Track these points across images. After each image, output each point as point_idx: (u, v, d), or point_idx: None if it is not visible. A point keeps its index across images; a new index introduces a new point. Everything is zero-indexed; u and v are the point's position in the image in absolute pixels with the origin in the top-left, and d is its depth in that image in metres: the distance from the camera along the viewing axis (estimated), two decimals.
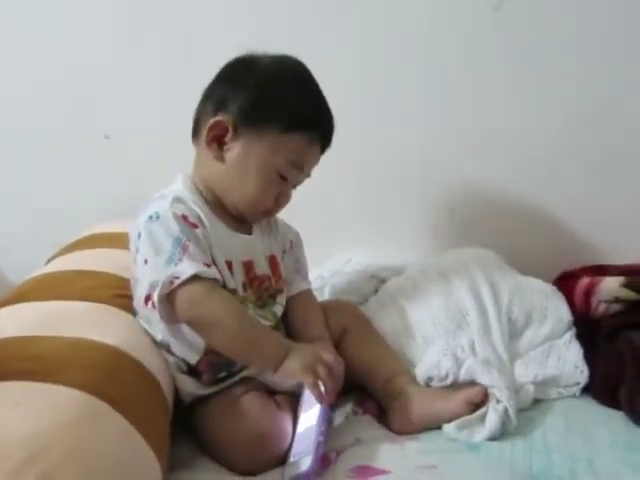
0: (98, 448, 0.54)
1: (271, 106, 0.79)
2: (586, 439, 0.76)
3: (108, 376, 0.64)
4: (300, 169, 0.82)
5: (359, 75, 1.15)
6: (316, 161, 0.85)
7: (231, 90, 0.80)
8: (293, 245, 0.94)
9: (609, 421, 0.81)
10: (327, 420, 0.74)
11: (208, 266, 0.74)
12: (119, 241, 0.99)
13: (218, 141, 0.80)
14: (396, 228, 1.23)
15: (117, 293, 0.81)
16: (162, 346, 0.79)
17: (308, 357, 0.75)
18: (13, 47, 1.21)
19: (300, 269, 0.94)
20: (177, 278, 0.71)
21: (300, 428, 0.75)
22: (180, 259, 0.72)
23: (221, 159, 0.81)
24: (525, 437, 0.77)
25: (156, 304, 0.71)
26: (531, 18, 1.11)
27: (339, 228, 1.22)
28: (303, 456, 0.70)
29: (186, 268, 0.71)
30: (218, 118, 0.79)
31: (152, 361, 0.74)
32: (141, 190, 1.21)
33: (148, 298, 0.73)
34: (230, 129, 0.79)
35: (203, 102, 0.84)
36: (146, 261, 0.74)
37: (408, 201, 1.22)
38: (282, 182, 0.82)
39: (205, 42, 1.17)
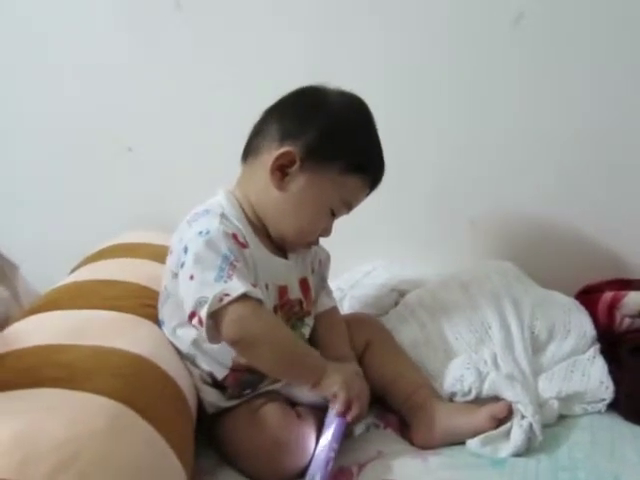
0: (127, 455, 0.55)
1: (337, 146, 0.80)
2: (612, 456, 0.75)
3: (135, 384, 0.64)
4: (349, 207, 0.85)
5: (379, 89, 1.15)
6: (361, 202, 0.86)
7: (300, 123, 0.80)
8: (321, 264, 0.94)
9: (635, 438, 0.79)
10: (341, 437, 0.74)
11: (254, 286, 0.74)
12: (142, 251, 1.01)
13: (281, 170, 0.80)
14: (416, 240, 1.23)
15: (143, 303, 0.82)
16: (187, 358, 0.80)
17: (348, 374, 0.78)
18: (34, 61, 1.22)
19: (326, 287, 0.95)
20: (227, 295, 0.70)
21: (319, 447, 0.75)
22: (230, 277, 0.71)
23: (282, 188, 0.80)
24: (550, 453, 0.75)
25: (204, 321, 0.70)
26: (549, 32, 1.10)
27: (358, 240, 1.21)
28: (316, 472, 0.71)
29: (236, 286, 0.70)
30: (289, 149, 0.79)
31: (176, 371, 0.75)
32: (163, 201, 1.24)
33: (193, 314, 0.71)
34: (297, 161, 0.79)
35: (266, 125, 0.83)
36: (192, 277, 0.72)
37: (428, 213, 1.22)
38: (330, 217, 0.84)
39: (228, 53, 1.17)
